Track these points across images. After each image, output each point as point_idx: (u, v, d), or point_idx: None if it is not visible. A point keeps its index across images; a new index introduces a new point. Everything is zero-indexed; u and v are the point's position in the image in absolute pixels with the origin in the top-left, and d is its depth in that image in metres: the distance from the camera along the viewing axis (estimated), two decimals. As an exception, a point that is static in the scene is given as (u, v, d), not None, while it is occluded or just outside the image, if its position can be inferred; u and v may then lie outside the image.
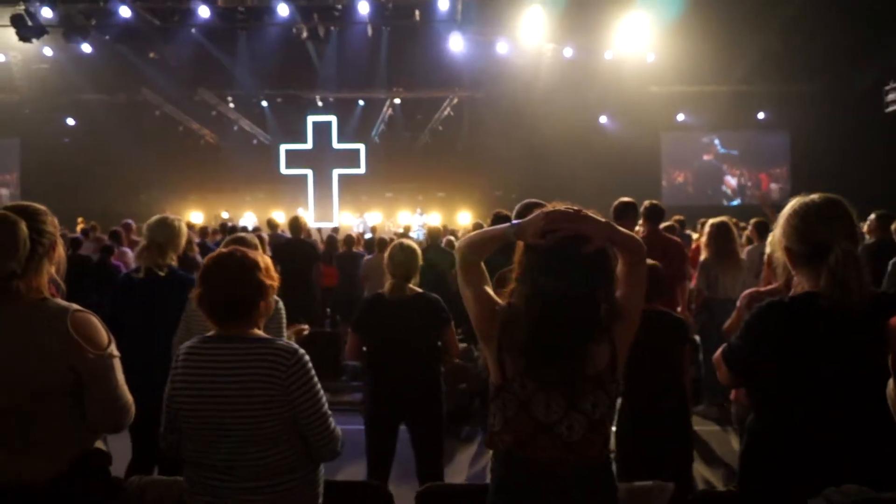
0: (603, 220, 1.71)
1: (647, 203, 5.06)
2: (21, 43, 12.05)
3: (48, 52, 14.92)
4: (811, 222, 1.79)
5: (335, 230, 10.91)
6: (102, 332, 1.84)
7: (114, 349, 1.85)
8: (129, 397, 1.90)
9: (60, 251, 1.95)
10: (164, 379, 2.13)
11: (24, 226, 1.80)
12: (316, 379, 1.92)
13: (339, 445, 1.99)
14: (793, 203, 1.85)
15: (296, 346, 1.93)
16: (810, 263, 1.78)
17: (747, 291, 3.48)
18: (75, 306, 1.83)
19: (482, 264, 1.83)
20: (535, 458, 1.67)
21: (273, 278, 2.00)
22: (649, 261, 3.26)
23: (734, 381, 1.96)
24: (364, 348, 3.48)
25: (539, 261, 1.70)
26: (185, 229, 3.40)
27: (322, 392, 1.94)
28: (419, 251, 3.48)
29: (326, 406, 1.95)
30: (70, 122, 18.27)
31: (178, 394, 1.91)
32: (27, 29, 11.67)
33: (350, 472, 4.16)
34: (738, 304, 3.53)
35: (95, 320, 1.84)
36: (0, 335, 1.75)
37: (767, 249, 1.95)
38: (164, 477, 2.24)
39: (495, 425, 1.75)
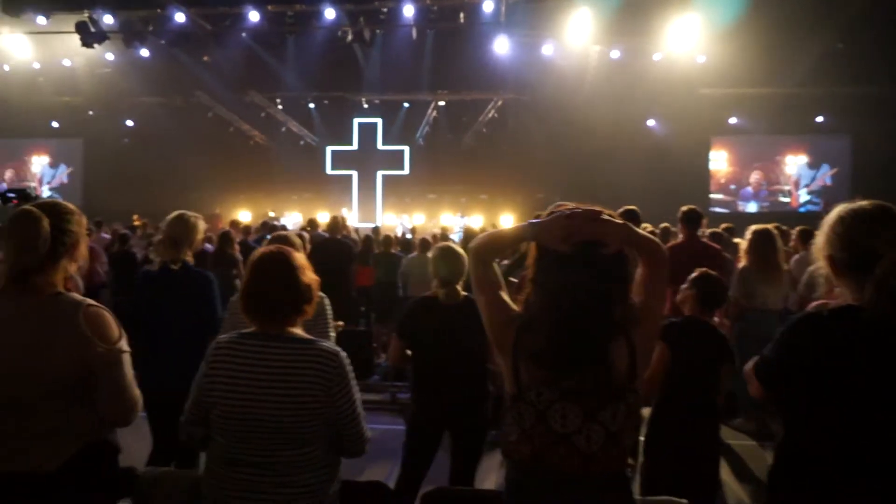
0: (621, 221, 1.67)
1: (684, 208, 4.92)
2: (85, 48, 12.63)
3: (110, 56, 15.63)
4: (857, 229, 1.67)
5: (374, 230, 11.03)
6: (114, 327, 1.88)
7: (124, 344, 1.89)
8: (136, 392, 1.94)
9: (83, 250, 2.01)
10: (179, 372, 2.17)
11: (46, 223, 1.86)
12: (354, 380, 1.96)
13: (367, 445, 2.04)
14: (838, 209, 1.74)
15: (338, 348, 1.95)
16: (854, 273, 1.66)
17: (814, 304, 3.31)
18: (89, 301, 1.88)
19: (496, 267, 1.80)
20: (552, 469, 1.64)
21: (313, 279, 2.03)
22: (707, 270, 3.18)
23: (765, 395, 1.85)
24: (410, 353, 3.40)
25: (555, 265, 1.66)
26: (201, 226, 3.46)
27: (358, 392, 1.98)
28: (464, 254, 3.41)
29: (361, 406, 1.99)
30: (129, 123, 19.09)
31: (214, 388, 1.92)
32: (90, 35, 12.24)
33: (375, 473, 4.17)
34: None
35: (108, 315, 1.89)
36: (14, 328, 1.81)
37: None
38: (178, 470, 2.29)
39: (511, 434, 1.70)
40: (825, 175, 17.51)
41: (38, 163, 20.02)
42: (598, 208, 1.68)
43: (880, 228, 1.65)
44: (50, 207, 1.94)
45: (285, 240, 3.18)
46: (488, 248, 1.78)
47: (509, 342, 1.69)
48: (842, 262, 1.70)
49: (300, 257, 2.03)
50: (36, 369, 1.78)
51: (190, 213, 3.47)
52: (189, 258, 3.34)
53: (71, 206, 2.02)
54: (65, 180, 19.85)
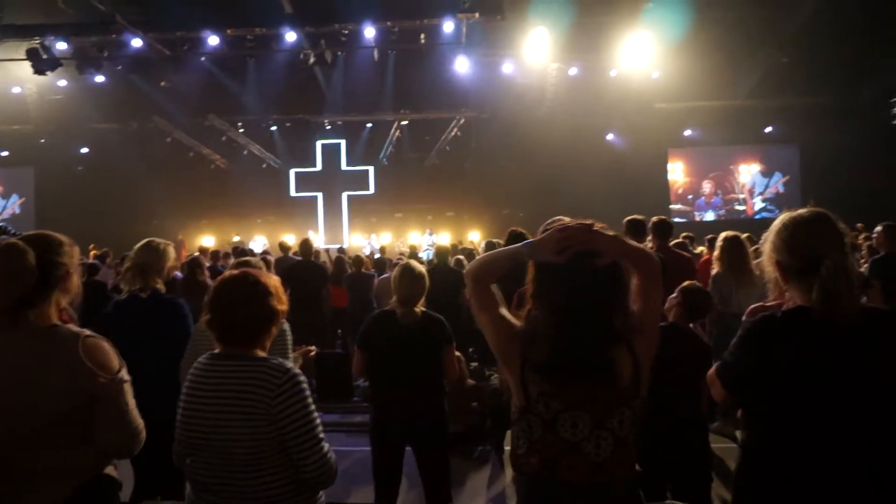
0: (613, 233, 1.73)
1: (655, 219, 5.04)
2: (36, 75, 12.30)
3: (62, 83, 15.24)
4: (800, 236, 1.78)
5: (341, 250, 10.96)
6: (113, 357, 1.85)
7: (125, 374, 1.86)
8: (140, 421, 1.90)
9: (76, 281, 1.96)
10: (151, 400, 2.11)
11: (31, 256, 1.82)
12: (310, 401, 1.85)
13: (333, 472, 1.89)
14: (782, 217, 1.86)
15: (289, 365, 1.88)
16: (801, 277, 1.76)
17: (752, 307, 3.45)
18: (87, 332, 1.84)
19: (494, 286, 1.83)
20: (562, 479, 1.66)
21: (284, 302, 2.00)
22: (695, 282, 3.29)
23: (728, 397, 1.91)
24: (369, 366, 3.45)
25: (553, 278, 1.71)
26: (171, 253, 3.40)
27: (315, 416, 1.86)
28: (426, 273, 3.48)
29: (320, 430, 1.87)
30: (84, 150, 18.58)
31: (181, 410, 1.92)
32: (42, 62, 11.93)
33: (361, 495, 4.12)
34: (743, 318, 3.49)
35: (106, 345, 1.86)
36: (9, 362, 1.76)
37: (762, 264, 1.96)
38: (171, 502, 2.22)
39: (520, 447, 1.73)
40: (778, 183, 18.22)
41: (-13, 193, 19.30)
42: (589, 221, 1.74)
43: (820, 233, 1.78)
44: (37, 240, 1.90)
45: (247, 265, 3.13)
46: (484, 270, 1.82)
47: (516, 357, 1.72)
48: (789, 267, 1.80)
49: (269, 280, 1.99)
50: (36, 403, 1.73)
51: (159, 239, 3.40)
52: (160, 286, 3.26)
53: (62, 237, 1.97)
54: (16, 211, 19.14)
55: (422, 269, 3.48)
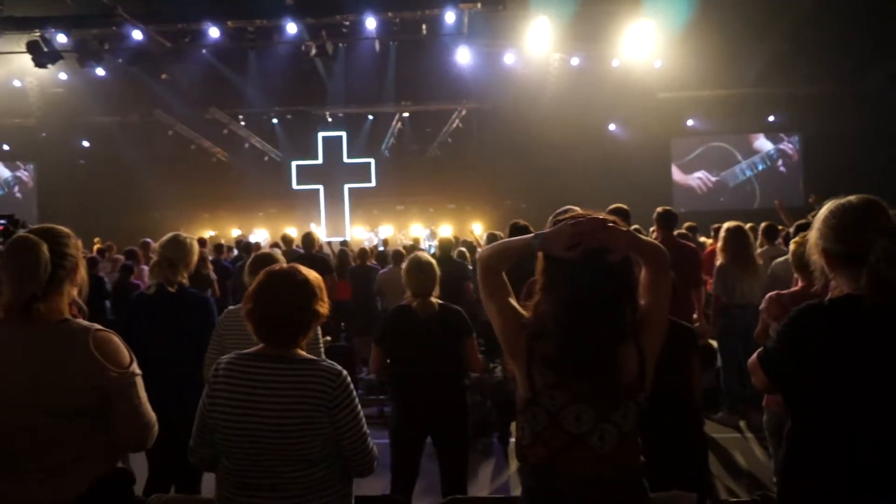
0: (624, 228, 1.72)
1: (660, 209, 5.03)
2: (37, 69, 12.26)
3: (63, 76, 15.20)
4: (849, 222, 1.75)
5: (344, 243, 10.95)
6: (124, 351, 1.86)
7: (136, 367, 1.87)
8: (152, 415, 1.91)
9: (83, 273, 1.97)
10: (176, 395, 2.12)
11: (45, 249, 1.82)
12: (357, 399, 1.94)
13: (375, 463, 2.02)
14: (829, 205, 1.82)
15: (339, 367, 1.93)
16: (849, 264, 1.73)
17: (768, 295, 3.43)
18: (97, 326, 1.85)
19: (504, 275, 1.82)
20: (567, 470, 1.66)
21: (326, 304, 2.00)
22: None
23: (770, 386, 1.89)
24: (388, 361, 3.46)
25: (564, 271, 1.69)
26: (196, 247, 3.44)
27: (362, 412, 1.96)
28: (436, 264, 3.48)
29: (366, 426, 1.96)
30: (85, 144, 18.56)
31: (215, 409, 1.90)
32: (42, 55, 11.89)
33: (369, 487, 4.14)
34: (760, 307, 3.48)
35: (117, 339, 1.86)
36: (22, 356, 1.77)
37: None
38: (186, 495, 2.24)
39: (524, 438, 1.73)
40: (780, 171, 18.14)
41: (-12, 188, 19.29)
42: (602, 215, 1.73)
43: (869, 219, 1.73)
44: (45, 232, 1.90)
45: (270, 258, 3.13)
46: (495, 258, 1.82)
47: (522, 348, 1.72)
48: (837, 254, 1.77)
49: (317, 279, 2.00)
50: (48, 399, 1.74)
51: (185, 234, 3.43)
52: (185, 280, 3.28)
53: (66, 229, 1.97)
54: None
55: (430, 258, 3.48)
